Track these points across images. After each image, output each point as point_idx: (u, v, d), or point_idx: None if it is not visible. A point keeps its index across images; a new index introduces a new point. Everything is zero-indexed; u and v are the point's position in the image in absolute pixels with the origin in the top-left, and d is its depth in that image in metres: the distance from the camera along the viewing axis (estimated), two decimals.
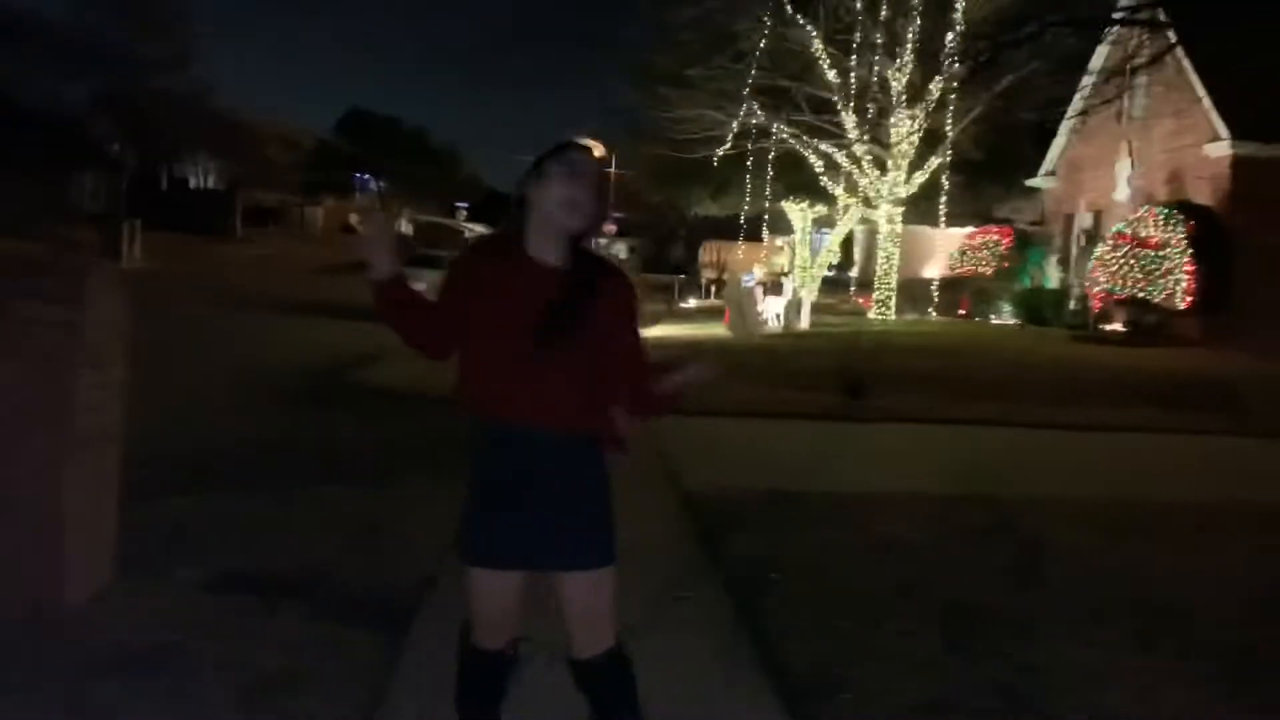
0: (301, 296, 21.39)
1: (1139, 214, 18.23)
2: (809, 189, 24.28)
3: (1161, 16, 11.73)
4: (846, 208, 22.84)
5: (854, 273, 30.29)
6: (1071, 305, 20.91)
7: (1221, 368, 13.09)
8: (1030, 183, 25.59)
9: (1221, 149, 17.47)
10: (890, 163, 21.20)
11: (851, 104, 20.82)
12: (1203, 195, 17.90)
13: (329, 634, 3.64)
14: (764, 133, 22.44)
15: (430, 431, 7.44)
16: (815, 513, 5.64)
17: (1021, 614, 4.15)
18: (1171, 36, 12.69)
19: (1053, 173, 24.52)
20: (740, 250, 29.86)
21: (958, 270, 23.80)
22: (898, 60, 20.15)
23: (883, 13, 19.90)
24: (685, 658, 3.54)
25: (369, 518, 5.31)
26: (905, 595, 4.36)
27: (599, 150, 2.39)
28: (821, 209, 25.77)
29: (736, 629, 3.90)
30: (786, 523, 5.44)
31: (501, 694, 2.51)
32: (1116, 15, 11.84)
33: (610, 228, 34.20)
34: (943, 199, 21.35)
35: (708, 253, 36.50)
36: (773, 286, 21.81)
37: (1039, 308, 20.98)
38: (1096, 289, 18.83)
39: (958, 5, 18.32)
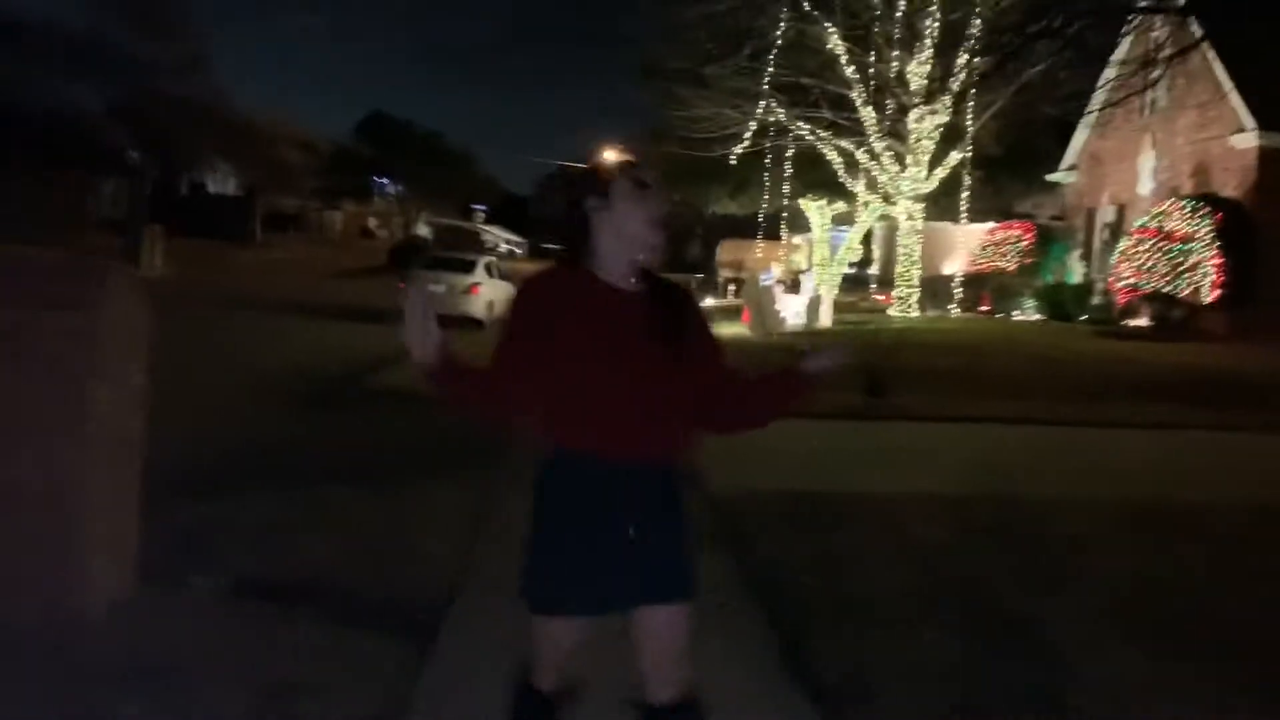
0: (319, 300, 21.46)
1: (1163, 207, 18.01)
2: (827, 186, 24.13)
3: (1181, 2, 11.55)
4: (866, 204, 22.67)
5: (874, 270, 30.08)
6: (1095, 300, 20.69)
7: (1251, 362, 12.89)
8: (1051, 177, 25.35)
9: (1248, 140, 17.22)
10: (910, 158, 21.04)
11: (870, 100, 20.67)
12: (1228, 187, 17.66)
13: (348, 643, 3.59)
14: (782, 130, 22.31)
15: (447, 436, 7.40)
16: (841, 514, 5.56)
17: (1054, 617, 4.06)
18: (1196, 31, 12.49)
19: (1074, 167, 24.27)
20: (759, 249, 29.73)
21: (979, 266, 23.62)
22: (917, 55, 19.97)
23: (901, 6, 19.74)
24: (712, 662, 3.47)
25: (387, 523, 5.27)
26: (934, 598, 4.27)
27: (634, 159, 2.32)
28: (840, 206, 25.61)
29: (765, 634, 3.83)
30: (812, 525, 5.36)
31: None
32: (1144, 4, 11.65)
33: None
34: (963, 194, 21.17)
35: (725, 252, 36.35)
36: (792, 285, 21.69)
37: (1062, 303, 20.78)
38: (1121, 284, 18.61)
39: None
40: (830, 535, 5.16)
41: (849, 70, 20.47)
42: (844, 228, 25.69)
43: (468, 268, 19.33)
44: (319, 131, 51.53)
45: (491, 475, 6.22)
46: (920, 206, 21.48)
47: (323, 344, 14.26)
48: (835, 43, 20.18)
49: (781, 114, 21.45)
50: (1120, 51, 17.89)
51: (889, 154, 21.28)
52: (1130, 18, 12.61)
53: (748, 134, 22.22)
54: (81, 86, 28.17)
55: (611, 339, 2.18)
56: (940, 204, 22.55)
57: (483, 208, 67.18)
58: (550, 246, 65.23)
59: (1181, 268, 17.01)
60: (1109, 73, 17.42)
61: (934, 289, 22.52)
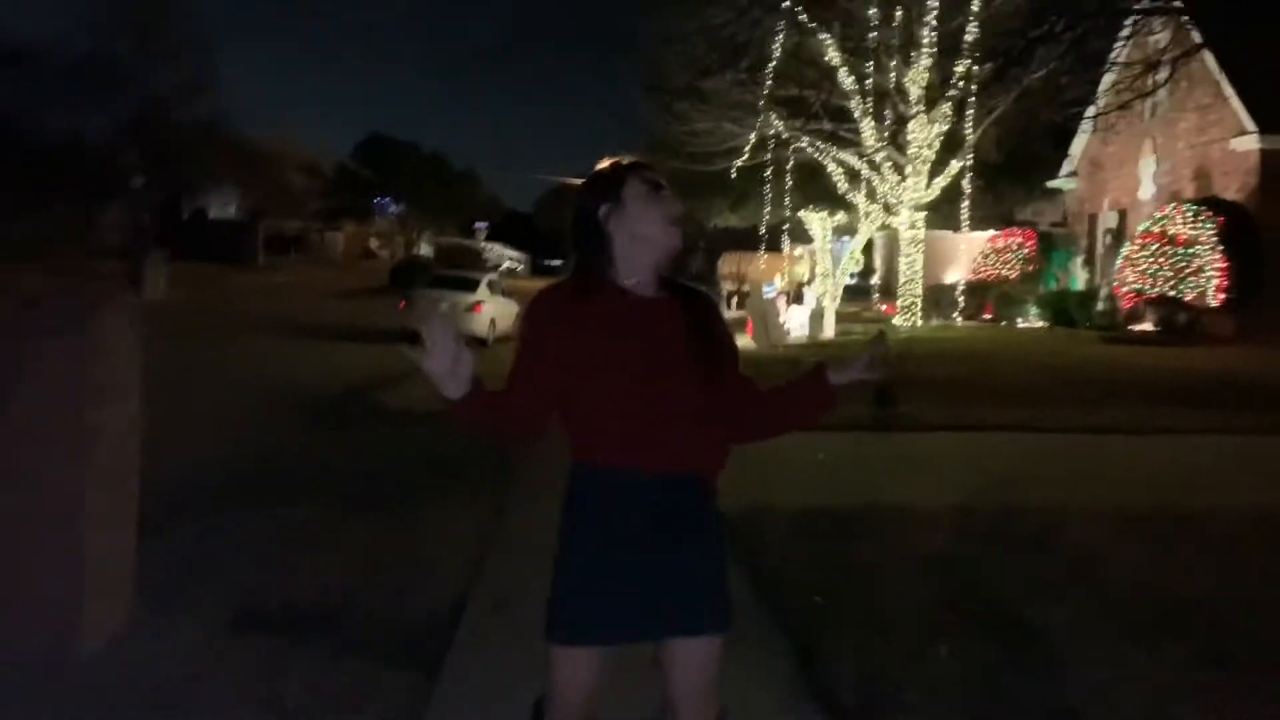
0: (321, 320, 21.44)
1: (1166, 211, 17.96)
2: (828, 197, 24.12)
3: (1181, 1, 11.53)
4: (867, 215, 22.65)
5: (876, 280, 30.06)
6: (1099, 306, 20.61)
7: (1258, 365, 12.80)
8: (1051, 184, 25.32)
9: (1249, 143, 17.19)
10: (910, 168, 21.02)
11: (870, 111, 20.67)
12: (1230, 190, 17.61)
13: (354, 669, 3.52)
14: (782, 143, 22.32)
15: (451, 454, 7.35)
16: (852, 528, 5.48)
17: (1071, 628, 3.98)
18: (1196, 36, 12.45)
19: (1074, 173, 24.25)
20: (761, 261, 29.69)
21: (982, 274, 23.56)
22: (914, 65, 19.98)
23: (897, 17, 19.76)
24: (728, 680, 3.40)
25: (392, 543, 5.21)
26: (951, 611, 4.19)
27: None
28: (841, 217, 25.60)
29: (784, 651, 3.75)
30: (824, 540, 5.28)
31: None
32: (1145, 5, 11.62)
33: None
34: (964, 203, 21.14)
35: (728, 264, 36.31)
36: (795, 296, 21.63)
37: (1066, 309, 20.70)
38: (1125, 289, 18.53)
39: (974, 3, 18.14)
40: (845, 550, 5.09)
41: (848, 81, 20.48)
42: (846, 238, 25.67)
43: (470, 286, 19.31)
44: (320, 148, 51.55)
45: (499, 493, 6.15)
46: (921, 216, 21.45)
47: (323, 363, 14.21)
48: (833, 54, 20.20)
49: (781, 126, 21.47)
50: (1120, 56, 17.89)
51: (889, 164, 21.26)
52: (1131, 20, 12.56)
53: (748, 147, 22.23)
54: (86, 111, 28.23)
55: (645, 349, 2.07)
56: (941, 212, 22.51)
57: (485, 224, 67.21)
58: (551, 263, 65.25)
59: (1185, 272, 16.94)
60: (1110, 77, 17.41)
61: (937, 298, 22.46)
